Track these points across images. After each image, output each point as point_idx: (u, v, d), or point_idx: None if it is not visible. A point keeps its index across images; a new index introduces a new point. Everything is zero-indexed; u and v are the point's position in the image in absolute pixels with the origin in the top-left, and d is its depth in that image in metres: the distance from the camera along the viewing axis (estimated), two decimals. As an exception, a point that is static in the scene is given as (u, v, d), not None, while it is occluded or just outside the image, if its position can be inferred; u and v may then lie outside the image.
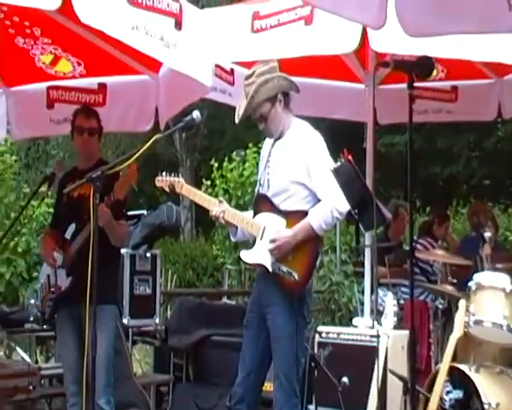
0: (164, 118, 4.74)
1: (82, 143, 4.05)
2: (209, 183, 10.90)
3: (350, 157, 3.39)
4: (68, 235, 3.96)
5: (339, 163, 3.43)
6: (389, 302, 4.59)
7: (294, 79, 5.37)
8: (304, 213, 3.55)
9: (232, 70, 4.96)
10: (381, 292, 5.88)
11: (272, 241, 3.54)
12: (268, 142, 3.81)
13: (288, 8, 4.20)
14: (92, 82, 4.91)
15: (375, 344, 4.14)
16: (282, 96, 3.68)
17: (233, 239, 3.81)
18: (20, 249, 8.29)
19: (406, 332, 4.30)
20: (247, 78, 3.70)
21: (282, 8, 4.25)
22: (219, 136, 18.55)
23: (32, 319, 5.01)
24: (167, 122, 4.83)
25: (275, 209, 3.62)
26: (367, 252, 4.92)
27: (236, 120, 3.72)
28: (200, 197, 3.76)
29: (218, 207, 3.65)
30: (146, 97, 4.81)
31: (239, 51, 4.47)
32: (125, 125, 5.07)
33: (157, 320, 5.55)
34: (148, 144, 3.20)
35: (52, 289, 4.01)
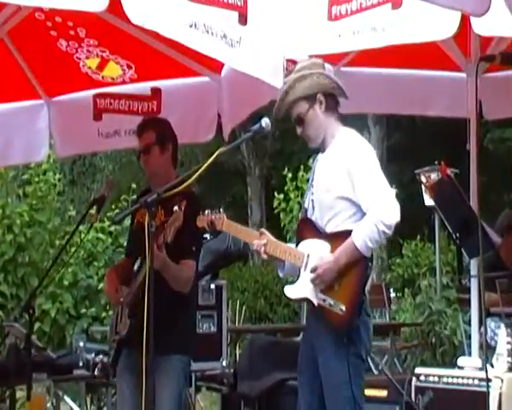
0: (228, 126, 4.79)
1: (143, 166, 4.11)
2: (282, 196, 10.93)
3: (448, 172, 3.33)
4: (135, 269, 4.00)
5: (435, 178, 3.38)
6: (502, 338, 4.46)
7: (379, 70, 5.45)
8: (349, 233, 3.54)
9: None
10: (492, 324, 5.73)
11: (313, 269, 3.55)
12: (315, 160, 3.83)
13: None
14: (144, 87, 5.01)
15: (485, 390, 4.03)
16: (323, 97, 3.69)
17: (281, 275, 3.82)
18: (66, 282, 8.47)
19: (525, 375, 4.17)
20: (287, 74, 3.72)
21: (364, -10, 4.22)
22: (292, 138, 18.50)
23: (81, 364, 5.11)
24: (233, 130, 4.87)
25: (319, 234, 3.64)
26: (473, 282, 4.81)
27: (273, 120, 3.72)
28: (241, 231, 3.83)
29: (258, 240, 3.68)
30: (206, 102, 4.88)
31: (314, 42, 4.46)
32: (182, 136, 5.08)
33: (224, 363, 5.56)
34: (211, 160, 3.23)
35: (117, 330, 4.05)
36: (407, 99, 5.57)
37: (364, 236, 3.50)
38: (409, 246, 13.57)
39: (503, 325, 4.60)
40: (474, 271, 4.74)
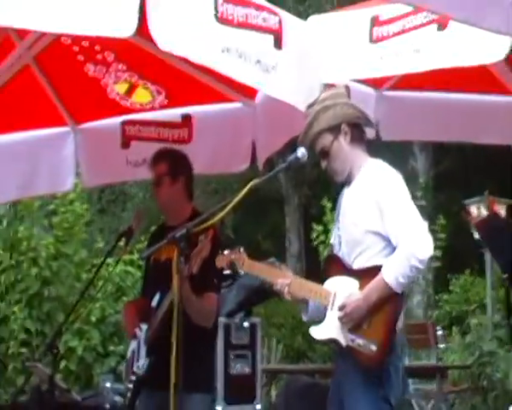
0: (263, 155, 4.78)
1: (156, 198, 4.21)
2: (321, 228, 10.89)
3: (497, 208, 3.28)
4: (154, 305, 4.05)
5: (482, 215, 3.34)
6: None
7: (423, 94, 5.40)
8: (379, 269, 3.50)
9: (348, 88, 4.95)
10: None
11: (341, 307, 3.53)
12: (341, 194, 3.82)
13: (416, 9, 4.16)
14: (175, 114, 5.03)
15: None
16: (347, 128, 3.69)
17: (305, 319, 3.79)
18: (93, 318, 8.49)
19: None
20: (310, 106, 3.72)
21: (407, 10, 4.20)
22: (331, 166, 18.53)
23: (108, 406, 5.12)
24: (270, 158, 4.87)
25: (347, 270, 3.62)
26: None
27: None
28: (263, 270, 3.79)
29: (282, 279, 3.66)
30: (240, 130, 4.88)
31: (355, 66, 4.45)
32: (215, 166, 5.15)
33: (258, 406, 5.54)
34: (243, 193, 3.23)
35: (134, 370, 4.09)
36: (457, 126, 5.50)
37: (395, 271, 3.47)
38: (457, 281, 13.42)
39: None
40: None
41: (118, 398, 5.19)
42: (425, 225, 3.59)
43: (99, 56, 4.65)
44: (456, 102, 5.46)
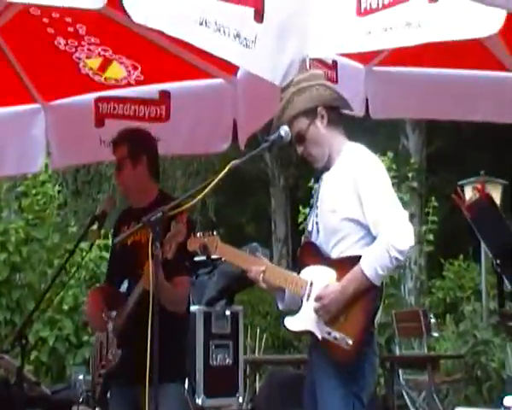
0: (244, 134, 4.78)
1: (118, 182, 4.22)
2: (307, 210, 10.89)
3: (488, 192, 3.31)
4: (124, 291, 4.06)
5: (472, 199, 3.36)
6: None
7: (414, 70, 5.40)
8: (357, 259, 3.53)
9: (334, 63, 4.96)
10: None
11: (317, 299, 3.54)
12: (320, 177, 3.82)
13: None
14: (152, 90, 5.02)
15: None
16: (324, 111, 3.69)
17: (281, 307, 3.80)
18: (65, 307, 8.49)
19: None
20: (284, 88, 3.73)
21: (397, -18, 4.20)
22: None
23: (81, 399, 5.13)
24: (253, 136, 4.87)
25: (324, 259, 3.63)
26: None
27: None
28: (237, 256, 3.81)
29: (256, 267, 3.67)
30: (221, 108, 4.88)
31: (341, 40, 4.44)
32: (194, 146, 5.15)
33: (240, 399, 5.56)
34: (222, 175, 3.24)
35: (103, 363, 4.10)
36: (449, 103, 5.52)
37: (375, 263, 3.49)
38: (451, 266, 13.48)
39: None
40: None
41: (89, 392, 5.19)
42: (405, 214, 3.59)
43: (70, 29, 4.62)
44: (448, 77, 5.47)
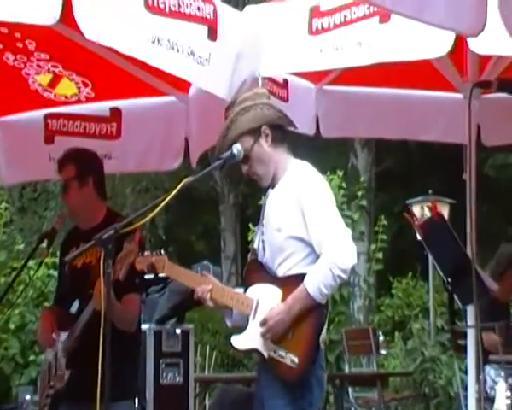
0: (196, 151, 4.78)
1: (65, 203, 4.21)
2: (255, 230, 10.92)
3: (439, 211, 3.36)
4: (73, 312, 4.02)
5: (425, 218, 3.41)
6: (501, 392, 4.47)
7: (365, 89, 5.45)
8: (302, 278, 3.56)
9: (286, 82, 4.99)
10: (491, 371, 5.74)
11: (263, 322, 3.57)
12: (266, 195, 3.85)
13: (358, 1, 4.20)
14: (103, 107, 4.99)
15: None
16: (268, 130, 3.72)
17: (229, 324, 3.81)
18: (12, 326, 8.38)
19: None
20: (228, 108, 3.75)
21: (348, 2, 4.24)
22: (271, 162, 18.60)
23: (27, 420, 5.06)
24: (202, 155, 4.87)
25: (269, 278, 3.66)
26: (469, 333, 4.81)
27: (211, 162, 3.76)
28: (185, 275, 3.82)
29: (203, 286, 3.68)
30: (173, 126, 4.87)
31: (293, 59, 4.48)
32: (146, 164, 5.12)
33: (191, 418, 5.53)
34: (175, 192, 3.24)
35: (51, 383, 4.06)
36: (398, 122, 5.58)
37: (318, 282, 3.52)
38: (399, 284, 13.62)
39: (501, 381, 4.60)
40: (470, 320, 4.73)
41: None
42: (348, 232, 3.63)
43: (19, 45, 4.56)
44: (399, 97, 5.54)
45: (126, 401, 3.97)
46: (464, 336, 5.04)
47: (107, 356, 3.16)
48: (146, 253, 3.73)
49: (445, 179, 13.58)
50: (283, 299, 3.58)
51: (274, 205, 3.72)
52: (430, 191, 11.29)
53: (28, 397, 5.14)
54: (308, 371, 3.56)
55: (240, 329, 3.72)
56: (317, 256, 3.59)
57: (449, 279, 3.44)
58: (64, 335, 4.01)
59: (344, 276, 3.52)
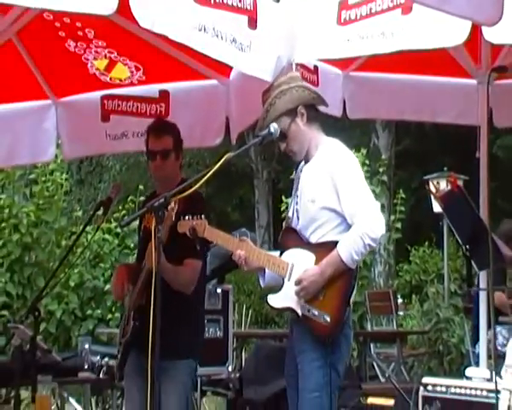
0: (236, 130, 4.78)
1: (155, 169, 4.07)
2: (290, 200, 10.90)
3: (459, 183, 3.34)
4: None
5: (445, 190, 3.39)
6: (511, 350, 4.43)
7: (387, 75, 5.43)
8: (334, 245, 3.56)
9: (316, 68, 4.97)
10: (503, 330, 5.72)
11: (298, 282, 3.57)
12: (299, 168, 3.83)
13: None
14: (153, 89, 5.00)
15: (493, 401, 4.01)
16: (304, 110, 3.72)
17: (262, 284, 3.80)
18: (72, 283, 8.47)
19: (534, 387, 4.13)
20: (265, 92, 3.74)
21: (374, -6, 4.21)
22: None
23: (86, 366, 5.12)
24: (241, 133, 4.88)
25: (303, 243, 3.65)
26: (482, 295, 4.78)
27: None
28: (224, 239, 3.77)
29: (240, 249, 3.67)
30: (215, 106, 4.86)
31: (323, 47, 4.46)
32: (191, 140, 5.09)
33: (230, 368, 5.56)
34: (219, 165, 3.25)
35: (124, 332, 4.04)
36: (416, 106, 5.56)
37: (350, 248, 3.53)
38: (417, 252, 13.55)
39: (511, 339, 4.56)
40: (482, 284, 4.72)
41: (95, 359, 5.19)
42: (378, 205, 3.64)
43: (80, 33, 4.59)
44: (417, 83, 5.50)
45: (185, 359, 3.90)
46: (474, 300, 5.01)
47: (159, 313, 3.13)
48: (187, 217, 3.70)
49: (458, 158, 13.46)
50: (316, 263, 3.58)
51: (308, 178, 3.72)
52: (445, 168, 11.19)
53: (86, 346, 5.17)
54: (338, 329, 3.56)
55: (274, 289, 3.73)
56: (347, 226, 3.59)
57: (467, 246, 3.41)
58: (131, 288, 3.97)
59: (374, 244, 3.53)
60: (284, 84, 3.72)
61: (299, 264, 3.62)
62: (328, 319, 3.52)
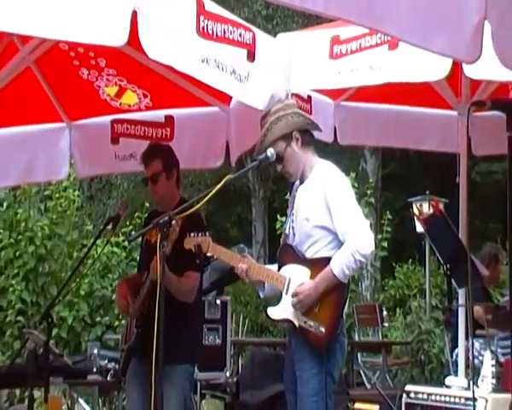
0: (235, 153, 4.79)
1: (150, 193, 4.11)
2: (284, 219, 10.89)
3: (441, 207, 3.35)
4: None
5: (428, 213, 3.40)
6: (487, 361, 4.43)
7: (375, 106, 5.46)
8: (328, 260, 3.57)
9: (309, 98, 4.99)
10: (476, 344, 5.69)
11: (294, 294, 3.57)
12: (294, 187, 3.84)
13: (371, 31, 4.20)
14: (159, 115, 5.01)
15: (471, 408, 3.99)
16: (298, 135, 3.73)
17: (261, 296, 3.83)
18: (82, 292, 8.46)
19: (508, 396, 4.12)
20: (263, 117, 3.75)
21: (364, 32, 4.25)
22: (295, 165, 18.58)
23: (95, 369, 5.10)
24: (240, 156, 4.88)
25: (299, 259, 3.66)
26: (461, 311, 4.78)
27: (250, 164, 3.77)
28: (226, 255, 3.79)
29: (242, 264, 3.67)
30: (216, 131, 4.88)
31: (316, 78, 4.49)
32: (193, 162, 5.14)
33: (227, 373, 5.55)
34: (220, 186, 3.25)
35: (126, 339, 4.07)
36: (402, 134, 5.59)
37: (342, 264, 3.54)
38: (401, 269, 13.52)
39: (488, 352, 4.55)
40: (461, 300, 4.72)
41: (103, 363, 5.17)
42: (367, 223, 3.65)
43: (92, 62, 4.62)
44: (403, 113, 5.53)
45: (183, 364, 3.90)
46: (453, 314, 5.00)
47: (162, 321, 3.13)
48: (192, 234, 3.70)
49: (439, 182, 13.49)
50: (311, 277, 3.59)
51: (303, 198, 3.72)
52: (427, 192, 11.20)
53: (95, 351, 5.16)
54: (332, 339, 3.56)
55: (272, 301, 3.73)
56: (339, 242, 3.59)
57: (447, 265, 3.41)
58: (135, 300, 3.99)
59: (364, 260, 3.54)
60: (280, 110, 3.73)
61: (296, 278, 3.63)
62: (323, 330, 3.52)
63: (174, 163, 4.15)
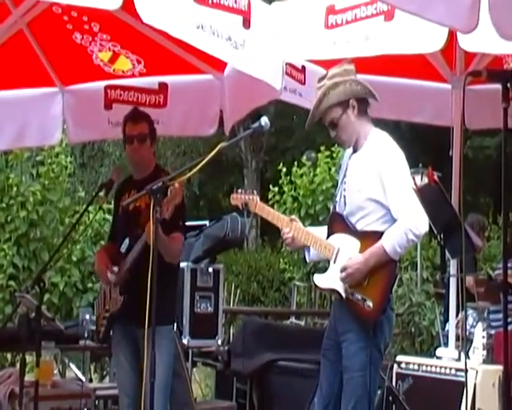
0: (229, 122, 4.77)
1: (132, 152, 4.13)
2: (276, 189, 10.88)
3: (436, 177, 3.33)
4: (123, 250, 4.06)
5: (423, 183, 3.38)
6: (478, 333, 4.46)
7: (369, 77, 5.42)
8: (379, 235, 3.52)
9: (303, 68, 4.95)
10: (469, 319, 5.73)
11: (343, 269, 3.54)
12: (347, 153, 3.80)
13: (367, 1, 4.17)
14: (152, 81, 4.99)
15: (461, 379, 4.02)
16: (355, 103, 3.67)
17: (308, 260, 3.82)
18: (74, 258, 8.44)
19: (498, 367, 4.15)
20: (320, 80, 3.71)
21: (359, 2, 4.21)
22: (287, 135, 18.59)
23: (86, 335, 5.13)
24: (233, 125, 4.87)
25: (350, 230, 3.61)
26: (452, 281, 4.79)
27: (306, 126, 3.74)
28: (274, 216, 3.77)
29: (288, 228, 3.66)
30: (210, 99, 4.85)
31: (311, 48, 4.46)
32: (186, 129, 5.13)
33: (219, 341, 5.57)
34: (213, 154, 3.25)
35: (106, 307, 4.11)
36: (395, 106, 5.55)
37: (394, 242, 3.49)
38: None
39: (479, 324, 4.59)
40: (453, 270, 4.74)
41: (95, 328, 5.20)
42: (418, 201, 3.58)
43: (86, 26, 4.59)
44: (395, 85, 5.50)
45: (167, 325, 3.97)
46: (444, 286, 5.02)
47: (155, 286, 3.18)
48: (239, 191, 3.72)
49: (432, 155, 13.49)
50: (361, 250, 3.54)
51: (356, 168, 3.67)
52: (420, 165, 11.20)
53: (87, 317, 5.20)
54: (380, 314, 3.50)
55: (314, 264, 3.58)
56: (391, 217, 3.54)
57: (441, 235, 3.41)
58: (115, 268, 4.03)
59: (416, 240, 3.50)
60: (338, 76, 3.67)
61: (345, 249, 3.58)
62: (371, 305, 3.46)
63: (155, 133, 4.21)
